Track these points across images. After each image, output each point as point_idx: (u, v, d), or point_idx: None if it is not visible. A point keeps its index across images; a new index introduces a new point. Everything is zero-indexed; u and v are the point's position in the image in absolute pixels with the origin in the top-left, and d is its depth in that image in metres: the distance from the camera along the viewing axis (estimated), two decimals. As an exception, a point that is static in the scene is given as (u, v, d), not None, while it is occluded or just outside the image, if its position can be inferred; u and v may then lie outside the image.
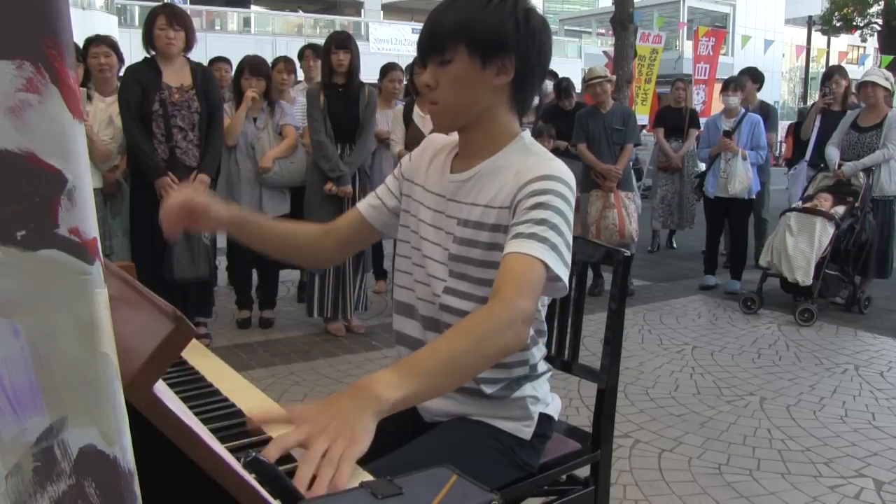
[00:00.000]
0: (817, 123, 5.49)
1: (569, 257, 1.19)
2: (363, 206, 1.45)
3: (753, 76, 5.90)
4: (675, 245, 7.25)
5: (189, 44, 3.63)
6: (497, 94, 1.25)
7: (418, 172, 1.40)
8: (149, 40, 3.58)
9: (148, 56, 3.64)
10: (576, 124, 5.22)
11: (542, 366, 1.40)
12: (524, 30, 1.22)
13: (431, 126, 1.37)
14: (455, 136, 1.36)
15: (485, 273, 1.26)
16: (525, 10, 1.24)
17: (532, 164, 1.24)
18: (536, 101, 6.08)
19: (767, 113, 5.87)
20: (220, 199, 1.39)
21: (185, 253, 3.60)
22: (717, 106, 6.48)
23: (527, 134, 1.32)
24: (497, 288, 1.13)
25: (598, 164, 4.99)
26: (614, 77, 6.16)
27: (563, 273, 1.17)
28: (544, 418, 1.38)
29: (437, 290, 1.31)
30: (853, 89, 5.67)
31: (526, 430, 1.34)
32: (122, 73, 3.91)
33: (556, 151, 5.55)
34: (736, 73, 6.01)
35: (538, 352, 1.37)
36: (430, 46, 1.23)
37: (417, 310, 1.36)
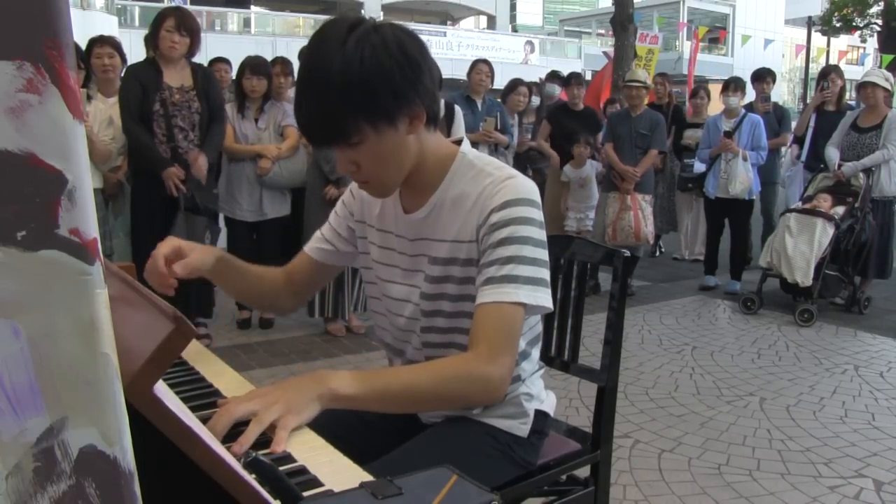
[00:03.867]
0: (812, 123, 5.49)
1: (547, 275, 1.18)
2: (312, 250, 1.42)
3: (773, 77, 5.89)
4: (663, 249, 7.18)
5: (192, 50, 3.63)
6: (418, 136, 1.17)
7: (369, 214, 1.35)
8: (153, 41, 3.57)
9: (149, 56, 3.64)
10: (606, 125, 5.37)
11: (535, 367, 1.41)
12: (410, 69, 1.08)
13: None
14: None
15: (459, 307, 1.25)
16: (398, 48, 1.07)
17: (490, 190, 1.18)
18: (538, 101, 6.11)
19: (782, 115, 5.86)
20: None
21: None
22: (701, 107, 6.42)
23: (466, 147, 1.27)
24: (475, 341, 1.13)
25: (618, 163, 5.02)
26: (652, 86, 6.15)
27: (544, 299, 1.17)
28: (540, 415, 1.38)
29: (414, 329, 1.31)
30: (852, 90, 5.68)
31: (522, 428, 1.35)
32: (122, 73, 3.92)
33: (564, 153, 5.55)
34: (735, 73, 6.01)
35: (529, 364, 1.37)
36: (330, 137, 1.10)
37: (404, 353, 1.36)
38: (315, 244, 1.43)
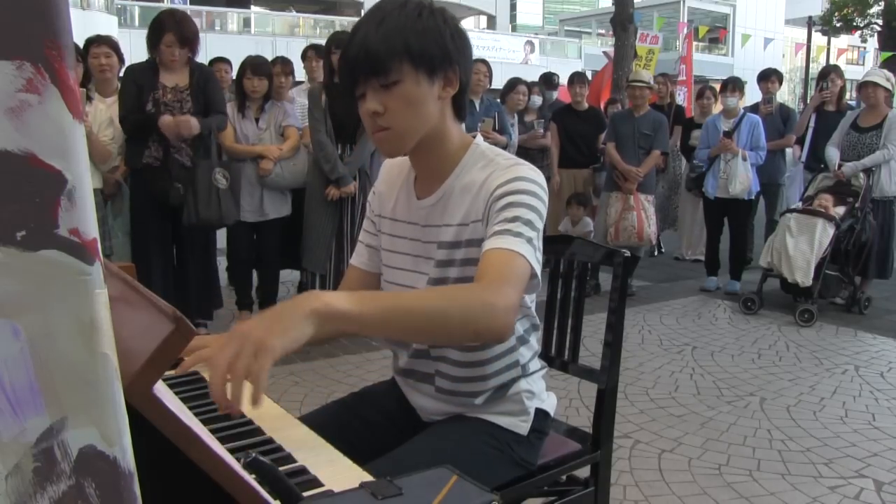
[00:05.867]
0: (812, 123, 5.49)
1: (540, 252, 1.20)
2: (360, 262, 1.44)
3: (779, 77, 5.88)
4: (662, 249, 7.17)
5: (193, 54, 3.64)
6: (444, 107, 1.23)
7: (385, 206, 1.39)
8: (154, 50, 3.56)
9: (151, 57, 3.63)
10: (608, 124, 5.35)
11: (536, 363, 1.41)
12: (459, 41, 1.21)
13: None
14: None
15: None
16: (454, 22, 1.22)
17: (496, 172, 1.23)
18: (540, 101, 6.11)
19: (788, 115, 5.85)
20: None
21: (191, 197, 3.60)
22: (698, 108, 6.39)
23: (479, 139, 1.32)
24: (479, 276, 1.13)
25: (621, 163, 5.01)
26: (656, 87, 6.12)
27: (537, 267, 1.18)
28: (541, 414, 1.39)
29: None
30: (852, 90, 5.67)
31: (523, 426, 1.35)
32: (122, 73, 3.92)
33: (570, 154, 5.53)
34: (736, 73, 6.01)
35: (528, 350, 1.37)
36: (369, 70, 1.15)
37: (410, 344, 1.36)
38: (360, 254, 1.45)
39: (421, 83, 1.17)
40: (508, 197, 1.19)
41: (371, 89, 1.17)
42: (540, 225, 1.20)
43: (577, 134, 5.57)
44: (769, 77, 5.75)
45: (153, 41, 3.55)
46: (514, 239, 1.14)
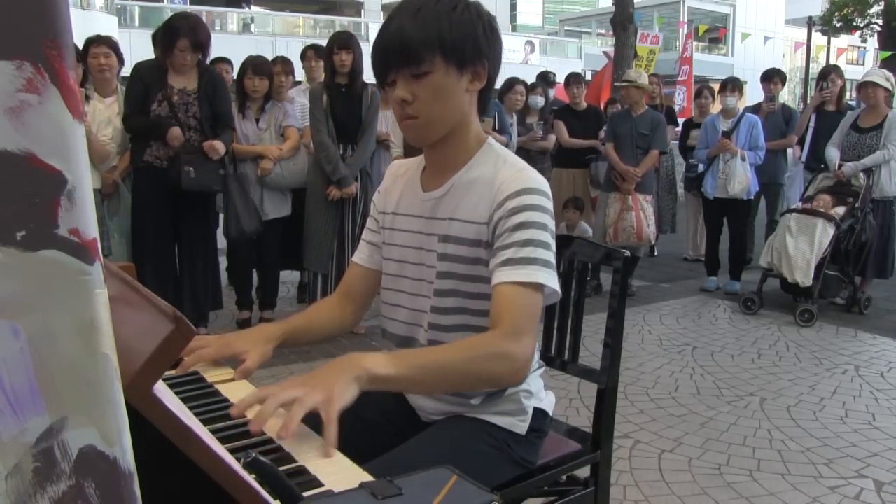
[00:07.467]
0: (812, 123, 5.49)
1: (555, 263, 1.23)
2: (361, 258, 1.46)
3: (782, 77, 5.89)
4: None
5: (204, 56, 3.64)
6: (471, 100, 1.26)
7: (389, 202, 1.40)
8: (166, 54, 3.54)
9: (157, 56, 3.62)
10: (607, 124, 5.37)
11: (534, 363, 1.41)
12: (491, 36, 1.24)
13: None
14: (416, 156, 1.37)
15: (472, 287, 1.27)
16: (488, 17, 1.25)
17: (505, 176, 1.24)
18: (542, 102, 6.12)
19: (790, 115, 5.85)
20: (261, 341, 1.30)
21: (233, 211, 3.84)
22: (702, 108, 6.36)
23: (492, 139, 1.34)
24: (497, 319, 1.16)
25: (619, 163, 5.00)
26: (648, 86, 6.09)
27: (556, 284, 1.21)
28: (539, 413, 1.39)
29: (424, 308, 1.32)
30: (852, 90, 5.67)
31: (521, 425, 1.35)
32: (123, 73, 3.91)
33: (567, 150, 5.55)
34: (736, 73, 6.01)
35: (533, 362, 1.38)
36: (402, 60, 1.18)
37: (415, 340, 1.36)
38: (361, 251, 1.47)
39: (451, 75, 1.20)
40: (519, 215, 1.20)
41: (402, 77, 1.20)
42: (551, 239, 1.22)
43: (577, 133, 5.58)
44: (772, 78, 5.76)
45: (166, 45, 3.53)
46: (530, 268, 1.17)
